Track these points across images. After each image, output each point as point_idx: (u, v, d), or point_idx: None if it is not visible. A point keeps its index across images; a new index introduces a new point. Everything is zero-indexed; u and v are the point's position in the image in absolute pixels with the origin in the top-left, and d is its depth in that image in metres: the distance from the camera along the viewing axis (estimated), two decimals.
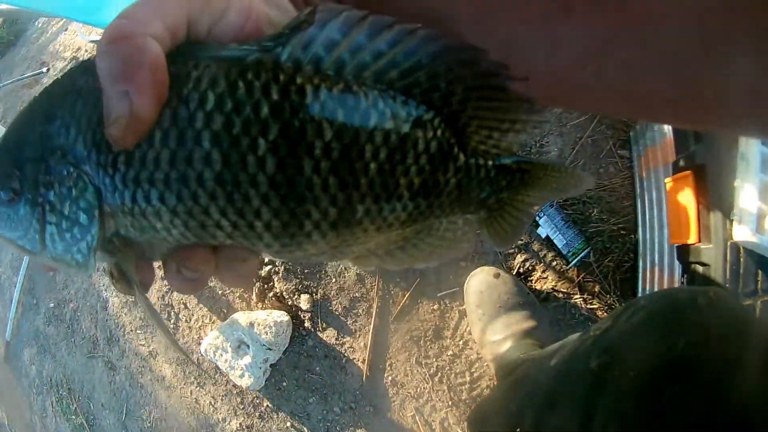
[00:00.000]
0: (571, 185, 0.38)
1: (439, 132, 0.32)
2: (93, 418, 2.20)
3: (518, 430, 0.71)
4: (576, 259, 1.33)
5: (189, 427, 1.87)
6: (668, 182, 1.05)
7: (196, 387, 1.85)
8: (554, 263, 1.36)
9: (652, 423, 0.50)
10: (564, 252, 1.34)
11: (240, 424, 1.75)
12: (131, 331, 2.04)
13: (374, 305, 1.52)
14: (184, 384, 1.88)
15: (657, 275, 1.16)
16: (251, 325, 1.60)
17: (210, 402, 1.81)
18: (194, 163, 0.28)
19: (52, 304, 2.38)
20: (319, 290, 1.60)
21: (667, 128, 1.11)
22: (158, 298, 1.93)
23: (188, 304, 1.86)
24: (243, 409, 1.74)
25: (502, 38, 0.31)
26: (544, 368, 0.80)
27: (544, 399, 0.72)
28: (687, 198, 0.97)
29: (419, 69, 0.29)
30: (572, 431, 0.57)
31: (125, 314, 2.07)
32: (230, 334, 1.64)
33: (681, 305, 0.59)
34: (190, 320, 1.85)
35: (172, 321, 1.89)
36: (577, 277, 1.34)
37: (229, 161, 0.28)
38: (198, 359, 1.82)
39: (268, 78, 0.28)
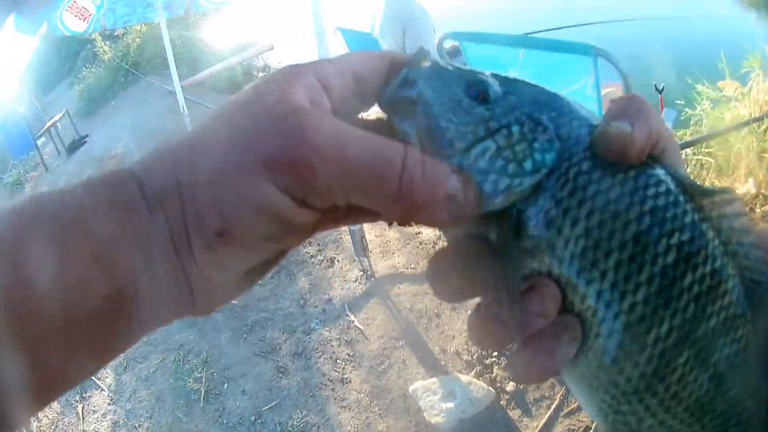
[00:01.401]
0: None
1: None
2: (216, 393, 2.64)
3: None
4: None
5: None
6: None
7: (377, 416, 2.44)
8: None
9: None
10: None
11: None
12: (332, 359, 2.69)
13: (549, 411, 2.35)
14: (364, 409, 2.47)
15: None
16: (469, 383, 2.45)
17: (383, 429, 2.41)
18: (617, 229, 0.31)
19: (235, 301, 2.99)
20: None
21: None
22: (378, 346, 2.72)
23: (407, 361, 2.63)
24: None
25: None
26: None
27: None
28: None
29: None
30: None
31: (338, 346, 2.73)
32: (447, 384, 2.45)
33: None
34: (402, 369, 2.61)
35: (383, 366, 2.63)
36: None
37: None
38: (391, 399, 2.51)
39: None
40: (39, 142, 8.25)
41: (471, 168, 0.32)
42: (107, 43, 10.76)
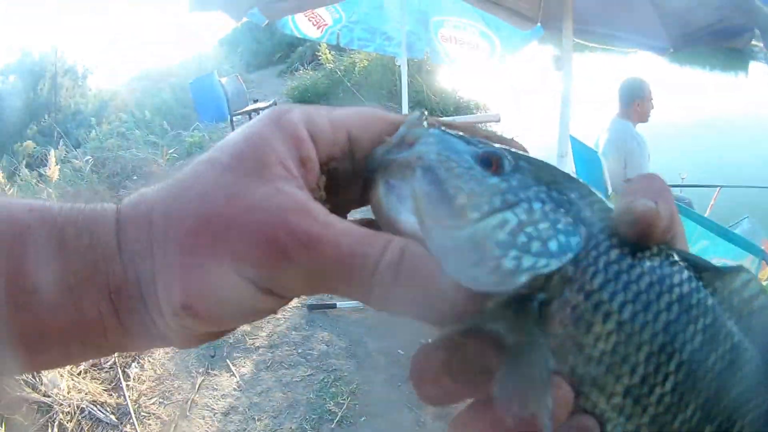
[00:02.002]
0: None
1: None
2: (351, 422, 2.74)
3: None
4: None
5: None
6: None
7: None
8: None
9: None
10: None
11: None
12: None
13: None
14: None
15: None
16: None
17: None
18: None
19: (401, 351, 3.16)
20: None
21: None
22: None
23: None
24: None
25: None
26: None
27: None
28: None
29: None
30: None
31: None
32: None
33: None
34: None
35: None
36: None
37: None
38: None
39: None
40: (235, 119, 8.62)
41: (487, 240, 0.29)
42: (332, 52, 10.98)
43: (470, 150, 0.33)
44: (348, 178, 0.35)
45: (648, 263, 0.31)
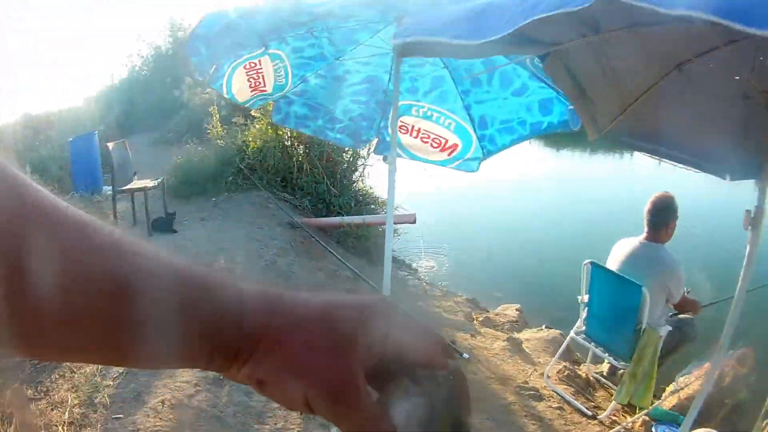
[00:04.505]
0: None
1: None
2: None
3: None
4: None
5: None
6: None
7: None
8: None
9: None
10: None
11: None
12: None
13: None
14: None
15: None
16: None
17: None
18: None
19: None
20: None
21: None
22: None
23: None
24: None
25: None
26: None
27: None
28: None
29: None
30: None
31: None
32: None
33: None
34: None
35: None
36: None
37: None
38: None
39: None
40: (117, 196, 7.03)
41: None
42: (224, 126, 9.53)
43: (454, 414, 0.48)
44: (385, 366, 0.49)
45: None
